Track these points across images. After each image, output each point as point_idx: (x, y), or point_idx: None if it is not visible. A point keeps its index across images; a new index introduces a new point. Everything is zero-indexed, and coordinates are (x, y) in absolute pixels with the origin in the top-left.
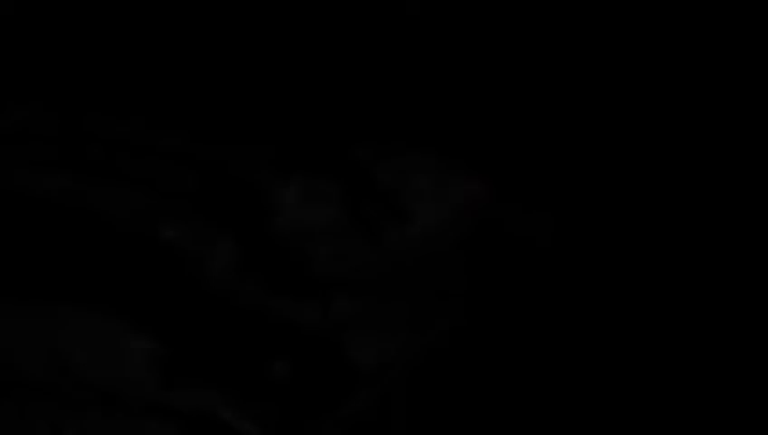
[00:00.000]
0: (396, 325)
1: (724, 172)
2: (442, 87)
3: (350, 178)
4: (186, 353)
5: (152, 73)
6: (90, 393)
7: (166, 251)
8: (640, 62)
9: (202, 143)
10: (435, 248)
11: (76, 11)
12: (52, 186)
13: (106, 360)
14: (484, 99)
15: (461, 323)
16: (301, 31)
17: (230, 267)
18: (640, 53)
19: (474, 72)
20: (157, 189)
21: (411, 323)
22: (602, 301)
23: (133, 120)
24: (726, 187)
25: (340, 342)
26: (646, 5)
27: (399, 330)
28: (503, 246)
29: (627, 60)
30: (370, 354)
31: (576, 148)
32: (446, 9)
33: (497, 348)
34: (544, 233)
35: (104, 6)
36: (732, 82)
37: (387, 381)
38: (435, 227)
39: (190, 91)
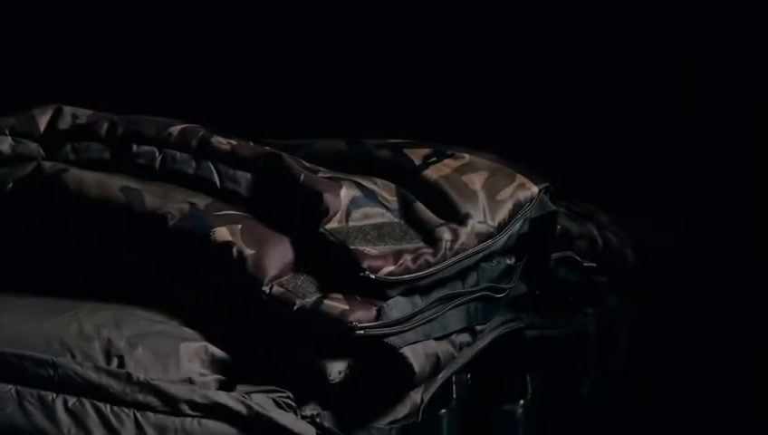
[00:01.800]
0: (450, 329)
1: None
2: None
3: (401, 181)
4: (241, 355)
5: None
6: (145, 393)
7: (219, 251)
8: None
9: (252, 143)
10: (490, 250)
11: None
12: (110, 186)
13: (161, 360)
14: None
15: (518, 327)
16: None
17: (285, 268)
18: None
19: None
20: (209, 189)
21: (465, 327)
22: None
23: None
24: None
25: (395, 344)
26: None
27: (452, 334)
28: (558, 245)
29: None
30: (423, 357)
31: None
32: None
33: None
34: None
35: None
36: None
37: (440, 386)
38: (489, 229)
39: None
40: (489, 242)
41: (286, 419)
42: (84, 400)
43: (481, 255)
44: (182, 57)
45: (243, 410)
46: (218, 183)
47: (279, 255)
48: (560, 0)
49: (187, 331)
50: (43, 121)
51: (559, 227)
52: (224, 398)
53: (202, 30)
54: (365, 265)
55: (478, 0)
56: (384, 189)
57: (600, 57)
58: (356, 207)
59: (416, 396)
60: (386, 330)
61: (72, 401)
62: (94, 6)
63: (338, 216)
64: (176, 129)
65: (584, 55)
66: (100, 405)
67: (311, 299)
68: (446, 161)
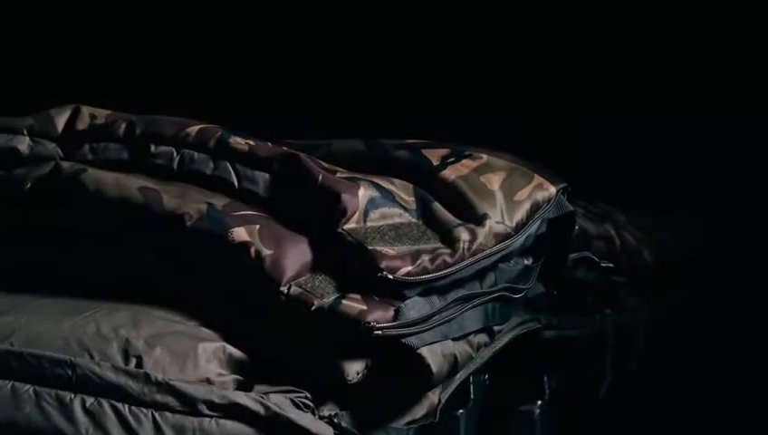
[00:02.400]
0: (468, 330)
1: None
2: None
3: (419, 182)
4: (259, 355)
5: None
6: (163, 393)
7: (237, 252)
8: None
9: (270, 143)
10: (507, 250)
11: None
12: (128, 186)
13: (179, 360)
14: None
15: (536, 328)
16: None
17: (303, 269)
18: None
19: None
20: (227, 189)
21: (483, 328)
22: None
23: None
24: None
25: (413, 345)
26: None
27: (470, 335)
28: (576, 245)
29: None
30: (441, 358)
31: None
32: None
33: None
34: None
35: None
36: None
37: (458, 386)
38: (506, 229)
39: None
40: (507, 242)
41: (304, 419)
42: (102, 400)
43: (499, 255)
44: (198, 58)
45: (261, 410)
46: (236, 183)
47: (297, 255)
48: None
49: (205, 331)
50: (61, 121)
51: (577, 227)
52: (242, 398)
53: (218, 31)
54: (383, 265)
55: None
56: (402, 190)
57: (623, 55)
58: (374, 207)
59: (433, 396)
60: (404, 330)
61: (90, 401)
62: (109, 6)
63: (356, 216)
64: (194, 129)
65: (607, 53)
66: (119, 405)
67: (329, 299)
68: (464, 162)
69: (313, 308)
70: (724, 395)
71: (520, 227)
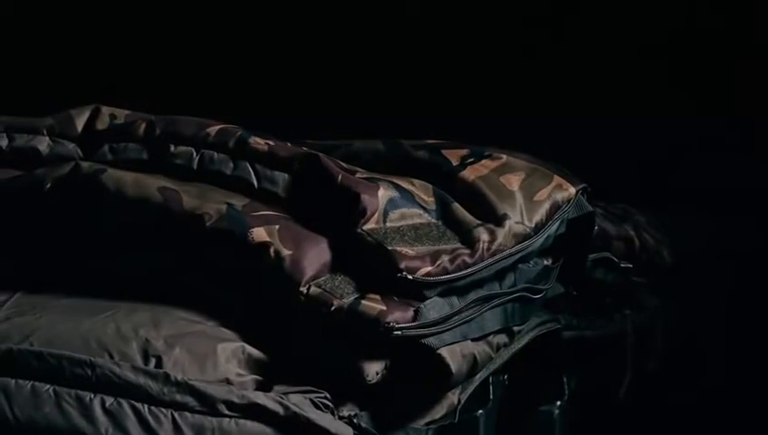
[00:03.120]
0: (487, 330)
1: None
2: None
3: (439, 182)
4: (278, 355)
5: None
6: (182, 393)
7: (256, 252)
8: None
9: (289, 144)
10: (527, 251)
11: None
12: (148, 186)
13: (198, 360)
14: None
15: (556, 328)
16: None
17: (322, 269)
18: None
19: None
20: (247, 190)
21: (503, 328)
22: None
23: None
24: None
25: (433, 345)
26: None
27: (489, 335)
28: (596, 246)
29: None
30: (460, 358)
31: None
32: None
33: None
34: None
35: None
36: None
37: (477, 386)
38: (526, 229)
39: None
40: (527, 243)
41: (324, 419)
42: (122, 400)
43: (518, 255)
44: (214, 59)
45: (280, 410)
46: (256, 183)
47: (316, 255)
48: None
49: (225, 331)
50: (80, 122)
51: (596, 227)
52: (261, 398)
53: (237, 32)
54: (402, 265)
55: None
56: (421, 190)
57: (634, 55)
58: (393, 207)
59: (453, 397)
60: (423, 331)
61: (109, 401)
62: (126, 7)
63: (375, 216)
64: (213, 129)
65: (621, 53)
66: (138, 405)
67: (348, 300)
68: (484, 162)
69: (333, 308)
70: (743, 396)
71: (540, 228)
